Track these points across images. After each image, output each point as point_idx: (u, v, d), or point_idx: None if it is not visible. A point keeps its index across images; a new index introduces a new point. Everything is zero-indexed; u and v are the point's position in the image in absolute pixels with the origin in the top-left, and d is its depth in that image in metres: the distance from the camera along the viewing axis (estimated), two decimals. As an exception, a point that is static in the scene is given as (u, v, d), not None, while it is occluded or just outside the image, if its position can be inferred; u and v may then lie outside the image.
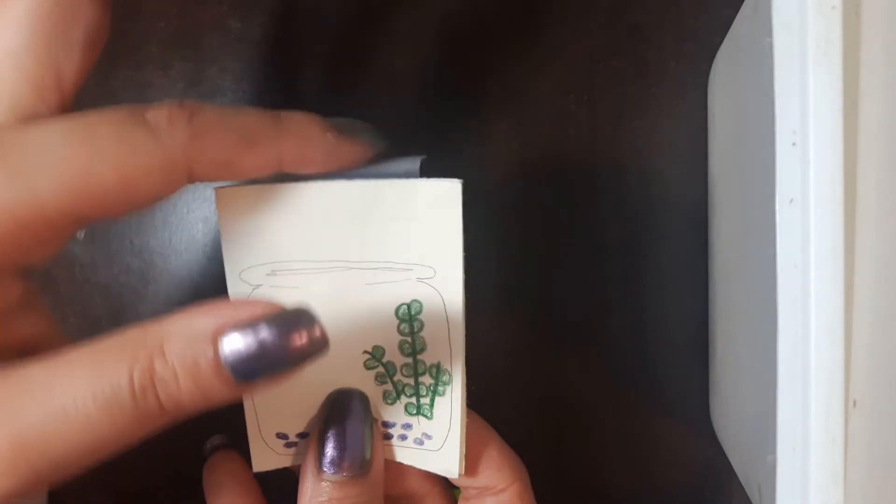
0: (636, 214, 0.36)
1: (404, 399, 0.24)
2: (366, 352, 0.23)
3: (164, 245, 0.37)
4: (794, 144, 0.22)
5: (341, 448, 0.22)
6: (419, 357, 0.23)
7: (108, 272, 0.38)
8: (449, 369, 0.23)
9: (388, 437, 0.24)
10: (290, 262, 0.22)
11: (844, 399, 0.21)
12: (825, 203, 0.21)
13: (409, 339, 0.23)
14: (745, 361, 0.29)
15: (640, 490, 0.37)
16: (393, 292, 0.22)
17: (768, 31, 0.23)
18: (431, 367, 0.23)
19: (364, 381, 0.24)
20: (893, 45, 0.22)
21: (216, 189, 0.22)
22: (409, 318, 0.22)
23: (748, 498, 0.29)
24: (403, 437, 0.24)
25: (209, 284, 0.37)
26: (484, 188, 0.36)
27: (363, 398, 0.23)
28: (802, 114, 0.21)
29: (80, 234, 0.38)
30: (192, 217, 0.38)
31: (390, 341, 0.23)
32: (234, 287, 0.23)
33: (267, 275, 0.22)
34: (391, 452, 0.25)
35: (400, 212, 0.22)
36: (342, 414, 0.23)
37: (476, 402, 0.38)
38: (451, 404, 0.23)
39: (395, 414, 0.24)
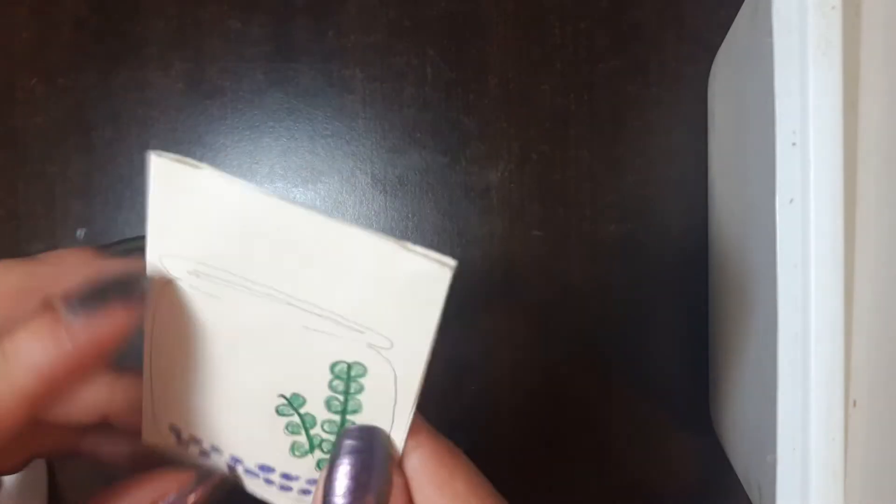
0: (636, 214, 0.36)
1: (318, 454, 0.21)
2: (281, 395, 0.21)
3: (164, 245, 0.37)
4: (794, 144, 0.22)
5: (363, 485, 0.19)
6: (349, 417, 0.20)
7: (108, 272, 0.37)
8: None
9: (287, 489, 0.22)
10: (219, 268, 0.19)
11: (844, 399, 0.21)
12: (825, 203, 0.21)
13: (339, 398, 0.20)
14: (745, 361, 0.29)
15: (640, 490, 0.37)
16: (333, 346, 0.19)
17: (768, 31, 0.23)
18: None
19: (268, 425, 0.21)
20: (893, 45, 0.22)
21: (152, 155, 0.19)
22: (346, 378, 0.20)
23: (748, 498, 0.29)
24: (306, 492, 0.22)
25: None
26: (484, 187, 0.37)
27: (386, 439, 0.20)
28: (802, 114, 0.21)
29: (81, 234, 0.38)
30: (192, 217, 0.38)
31: (316, 393, 0.20)
32: (151, 269, 0.19)
33: (188, 272, 0.19)
34: None
35: (374, 271, 0.19)
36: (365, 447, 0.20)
37: (476, 402, 0.38)
38: None
39: (301, 467, 0.22)
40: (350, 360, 0.20)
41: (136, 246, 0.19)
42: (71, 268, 0.19)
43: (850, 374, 0.22)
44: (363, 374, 0.20)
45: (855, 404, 0.22)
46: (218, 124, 0.37)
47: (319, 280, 0.19)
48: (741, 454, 0.31)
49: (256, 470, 0.22)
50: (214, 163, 0.38)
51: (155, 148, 0.38)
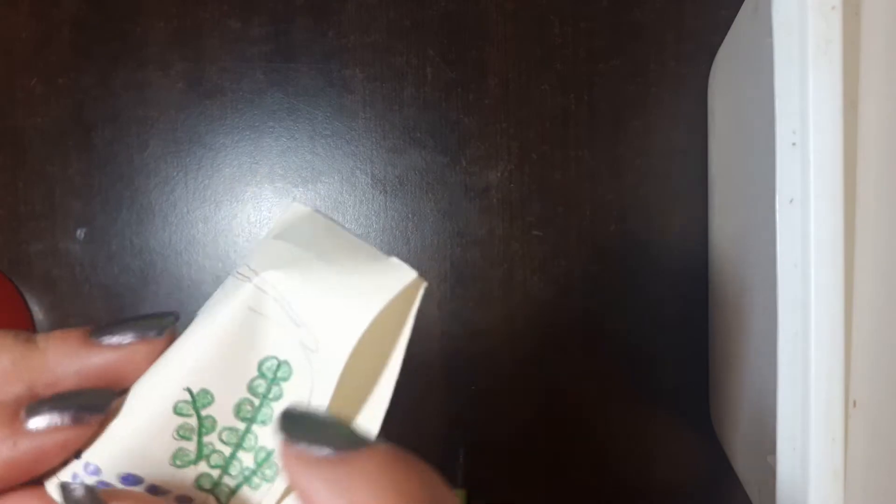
0: (636, 214, 0.36)
1: (203, 467, 0.18)
2: (187, 389, 0.18)
3: (164, 245, 0.37)
4: (794, 144, 0.22)
5: None
6: (254, 428, 0.18)
7: (108, 272, 0.38)
8: (279, 466, 0.18)
9: None
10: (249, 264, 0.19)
11: (844, 399, 0.21)
12: (825, 203, 0.21)
13: (254, 402, 0.18)
14: (745, 361, 0.29)
15: (640, 490, 0.37)
16: (271, 335, 0.17)
17: (768, 31, 0.23)
18: (261, 448, 0.18)
19: (158, 425, 0.18)
20: (893, 45, 0.22)
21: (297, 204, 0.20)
22: (272, 379, 0.18)
23: (748, 498, 0.29)
24: None
25: (208, 284, 0.37)
26: (484, 187, 0.36)
27: None
28: (802, 114, 0.21)
29: (81, 234, 0.38)
30: (191, 217, 0.38)
31: (230, 393, 0.18)
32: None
33: (241, 271, 0.19)
34: None
35: (346, 268, 0.18)
36: None
37: (477, 403, 0.38)
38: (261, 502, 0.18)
39: (175, 481, 0.18)
40: (281, 357, 0.18)
41: (131, 328, 0.18)
42: (59, 357, 0.19)
43: (850, 374, 0.22)
44: (287, 378, 0.18)
45: (855, 404, 0.22)
46: (218, 124, 0.37)
47: (290, 269, 0.18)
48: (741, 454, 0.31)
49: (115, 481, 0.18)
50: (214, 163, 0.38)
51: (155, 147, 0.39)
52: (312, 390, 0.17)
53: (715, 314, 0.35)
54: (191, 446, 0.18)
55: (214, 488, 0.18)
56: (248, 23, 0.37)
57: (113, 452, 0.18)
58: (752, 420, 0.28)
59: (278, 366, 0.18)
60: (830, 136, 0.21)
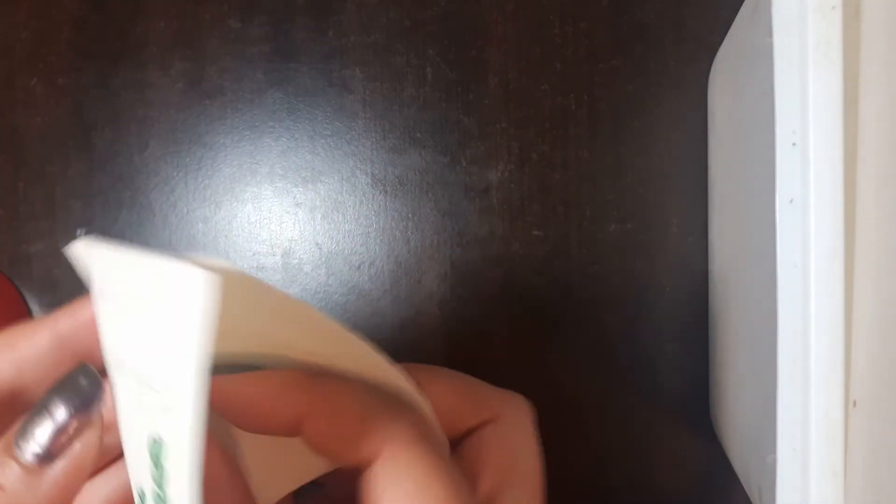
0: (636, 214, 0.36)
1: None
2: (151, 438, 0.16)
3: (164, 245, 0.37)
4: (794, 144, 0.22)
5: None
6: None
7: (108, 272, 0.37)
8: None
9: None
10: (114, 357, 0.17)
11: (844, 399, 0.21)
12: (825, 203, 0.21)
13: (160, 493, 0.15)
14: (745, 361, 0.29)
15: (640, 490, 0.37)
16: (147, 418, 0.15)
17: (768, 31, 0.23)
18: None
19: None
20: (893, 45, 0.22)
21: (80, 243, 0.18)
22: (157, 461, 0.15)
23: (748, 498, 0.29)
24: None
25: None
26: (484, 187, 0.37)
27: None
28: (802, 114, 0.21)
29: (81, 234, 0.38)
30: (191, 217, 0.38)
31: (150, 490, 0.16)
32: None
33: (113, 368, 0.17)
34: None
35: (154, 302, 0.15)
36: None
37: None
38: None
39: None
40: (154, 434, 0.15)
41: (52, 420, 0.17)
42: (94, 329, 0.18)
43: (850, 374, 0.22)
44: (161, 452, 0.15)
45: (855, 404, 0.22)
46: (218, 124, 0.37)
47: (136, 333, 0.16)
48: (741, 454, 0.31)
49: None
50: (214, 163, 0.38)
51: (155, 147, 0.38)
52: (182, 448, 0.14)
53: (715, 314, 0.35)
54: None
55: None
56: (248, 23, 0.37)
57: None
58: (752, 420, 0.28)
59: (156, 444, 0.15)
60: (830, 136, 0.21)
